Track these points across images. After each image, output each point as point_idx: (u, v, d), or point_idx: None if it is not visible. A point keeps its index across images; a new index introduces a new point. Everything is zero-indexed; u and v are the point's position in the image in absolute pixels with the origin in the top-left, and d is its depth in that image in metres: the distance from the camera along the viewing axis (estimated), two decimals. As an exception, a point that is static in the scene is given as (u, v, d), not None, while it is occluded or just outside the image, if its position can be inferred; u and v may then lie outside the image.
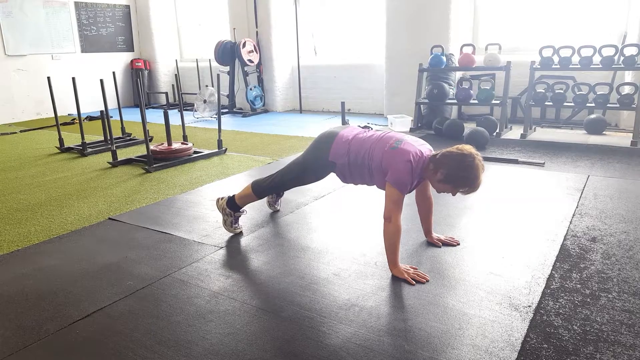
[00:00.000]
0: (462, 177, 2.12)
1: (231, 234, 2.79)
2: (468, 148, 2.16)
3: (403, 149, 2.22)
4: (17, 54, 7.90)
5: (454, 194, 2.19)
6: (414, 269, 2.24)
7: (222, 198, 2.81)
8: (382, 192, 2.32)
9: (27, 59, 8.04)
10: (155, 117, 7.76)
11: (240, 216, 2.82)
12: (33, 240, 2.83)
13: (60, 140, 5.40)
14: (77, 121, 5.32)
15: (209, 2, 9.10)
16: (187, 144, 4.92)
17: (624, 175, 3.77)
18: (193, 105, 8.02)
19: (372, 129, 2.58)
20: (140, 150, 5.13)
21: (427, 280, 2.16)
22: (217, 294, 2.12)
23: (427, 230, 2.59)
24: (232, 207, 2.75)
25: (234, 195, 2.77)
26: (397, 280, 2.18)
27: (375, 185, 2.45)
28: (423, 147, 2.29)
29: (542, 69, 5.27)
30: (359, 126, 2.67)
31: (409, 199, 2.57)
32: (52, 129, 6.87)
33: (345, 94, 7.70)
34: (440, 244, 2.54)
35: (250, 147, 5.33)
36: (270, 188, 2.75)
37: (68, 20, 8.54)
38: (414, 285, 2.13)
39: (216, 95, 7.43)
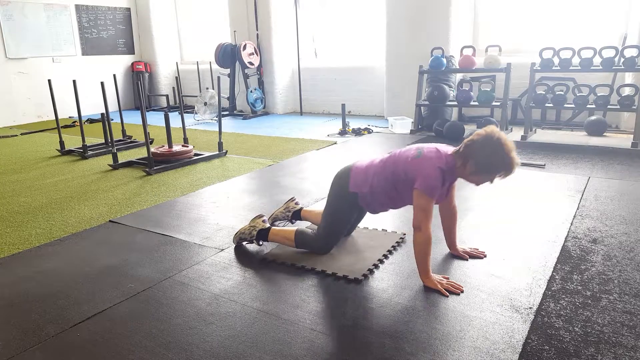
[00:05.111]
0: (492, 163, 2.01)
1: (233, 240, 2.70)
2: (489, 129, 2.03)
3: (427, 156, 2.13)
4: (18, 57, 7.92)
5: (492, 182, 2.10)
6: (446, 278, 2.14)
7: (258, 223, 2.61)
8: None
9: (27, 61, 8.06)
10: (155, 119, 7.77)
11: (253, 243, 2.65)
12: (34, 243, 2.83)
13: (61, 142, 5.42)
14: (78, 124, 5.33)
15: (210, 5, 9.12)
16: (187, 147, 4.92)
17: (625, 176, 3.76)
18: (194, 107, 8.03)
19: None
20: (141, 153, 5.14)
21: (462, 292, 2.06)
22: (218, 296, 2.12)
23: (452, 243, 2.45)
24: (259, 236, 2.56)
25: (269, 228, 2.56)
26: (397, 281, 2.19)
27: (402, 206, 2.36)
28: (442, 148, 2.19)
29: (543, 71, 5.27)
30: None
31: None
32: (52, 131, 6.88)
33: (346, 96, 7.71)
34: (467, 257, 2.40)
35: (251, 150, 5.33)
36: (312, 244, 2.49)
37: (69, 23, 8.56)
38: (447, 296, 2.03)
39: (217, 97, 7.44)
